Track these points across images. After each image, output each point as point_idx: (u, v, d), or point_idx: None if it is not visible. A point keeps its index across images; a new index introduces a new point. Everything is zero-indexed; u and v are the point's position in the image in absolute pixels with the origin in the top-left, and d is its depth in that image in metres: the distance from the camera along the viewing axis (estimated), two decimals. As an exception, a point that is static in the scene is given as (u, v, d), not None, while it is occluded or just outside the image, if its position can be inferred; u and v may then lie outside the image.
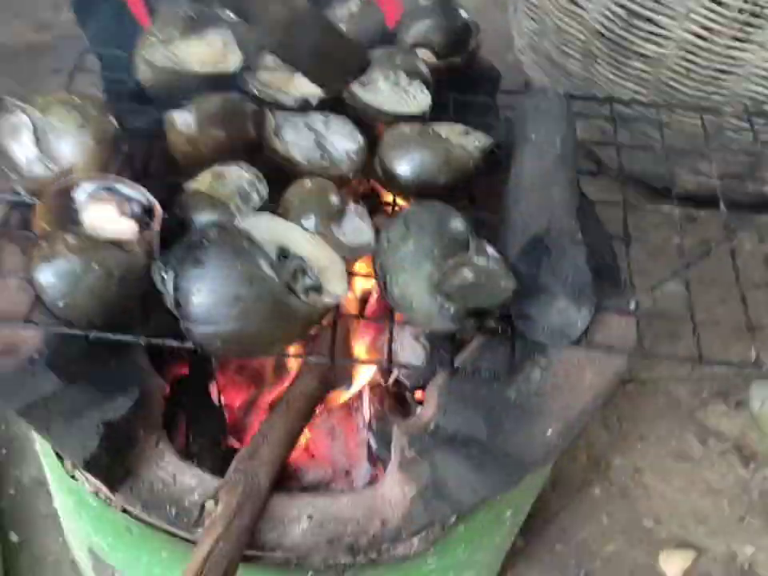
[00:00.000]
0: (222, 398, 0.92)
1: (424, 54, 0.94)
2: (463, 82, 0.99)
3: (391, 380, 0.91)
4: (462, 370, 0.77)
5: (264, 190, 0.78)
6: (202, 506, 0.73)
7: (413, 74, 0.89)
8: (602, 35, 1.41)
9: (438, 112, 0.91)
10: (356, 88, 0.87)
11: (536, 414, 0.74)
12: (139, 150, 0.85)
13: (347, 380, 0.91)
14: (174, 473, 0.76)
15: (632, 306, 0.81)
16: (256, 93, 0.86)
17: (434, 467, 0.72)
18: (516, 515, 0.91)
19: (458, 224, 0.74)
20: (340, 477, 0.91)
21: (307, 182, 0.79)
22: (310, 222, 0.76)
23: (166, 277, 0.67)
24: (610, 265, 0.88)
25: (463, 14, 0.98)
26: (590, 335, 0.78)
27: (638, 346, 0.79)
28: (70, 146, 0.75)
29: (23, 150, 0.76)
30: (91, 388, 0.72)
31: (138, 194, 0.72)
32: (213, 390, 0.91)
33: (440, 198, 0.84)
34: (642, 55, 1.38)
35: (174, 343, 0.71)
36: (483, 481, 0.71)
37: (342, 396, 0.92)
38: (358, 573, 0.79)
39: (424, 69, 0.91)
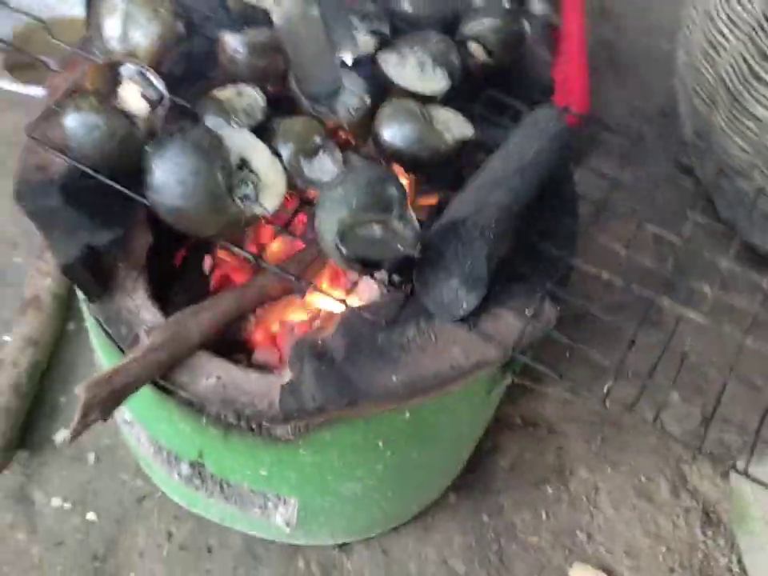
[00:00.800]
0: (215, 274, 1.12)
1: (476, 49, 1.06)
2: (512, 83, 1.09)
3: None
4: (356, 309, 0.92)
5: (265, 113, 0.95)
6: (137, 335, 0.94)
7: (441, 61, 1.01)
8: (725, 85, 1.42)
9: (470, 103, 1.03)
10: (385, 58, 1.01)
11: (391, 362, 0.88)
12: (204, 54, 1.04)
13: (304, 291, 1.06)
14: (139, 306, 0.95)
15: (528, 312, 0.92)
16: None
17: (299, 372, 0.88)
18: (393, 448, 1.03)
19: (390, 189, 0.87)
20: (284, 366, 1.08)
21: (299, 119, 0.95)
22: (286, 149, 0.92)
23: (146, 151, 0.87)
24: (539, 275, 0.95)
25: (525, 25, 1.08)
26: (476, 321, 0.90)
27: (512, 345, 0.89)
28: (139, 35, 0.96)
29: (110, 28, 0.98)
30: (86, 217, 0.91)
31: (161, 85, 0.92)
32: (206, 263, 1.12)
33: (416, 170, 0.99)
34: (753, 115, 1.39)
35: (145, 202, 0.89)
36: (320, 394, 0.85)
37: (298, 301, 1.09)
38: (246, 438, 0.98)
39: (455, 60, 1.02)
